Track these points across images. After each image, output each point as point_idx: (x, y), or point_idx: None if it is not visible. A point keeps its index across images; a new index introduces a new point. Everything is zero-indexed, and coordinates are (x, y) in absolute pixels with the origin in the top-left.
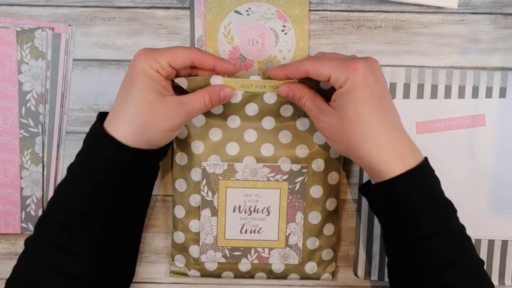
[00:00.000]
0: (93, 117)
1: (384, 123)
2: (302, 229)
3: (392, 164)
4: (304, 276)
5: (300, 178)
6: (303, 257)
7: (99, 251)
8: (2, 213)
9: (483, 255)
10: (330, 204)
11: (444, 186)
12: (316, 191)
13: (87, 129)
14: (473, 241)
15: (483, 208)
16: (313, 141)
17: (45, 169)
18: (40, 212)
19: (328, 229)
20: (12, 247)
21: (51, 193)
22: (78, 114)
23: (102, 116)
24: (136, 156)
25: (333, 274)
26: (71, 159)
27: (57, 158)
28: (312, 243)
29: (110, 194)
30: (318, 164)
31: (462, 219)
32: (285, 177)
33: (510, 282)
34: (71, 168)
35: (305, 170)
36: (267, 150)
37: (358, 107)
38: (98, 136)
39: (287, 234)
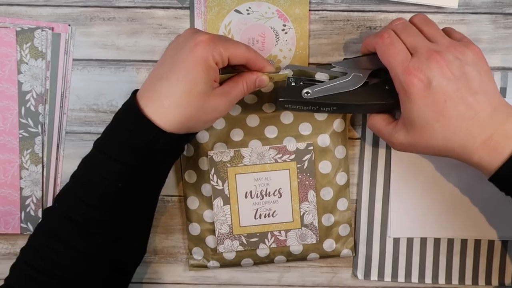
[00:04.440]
0: (93, 117)
1: (458, 121)
2: (316, 207)
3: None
4: (324, 254)
5: (308, 156)
6: (320, 235)
7: (118, 230)
8: (1, 213)
9: (483, 255)
10: (341, 179)
11: (445, 185)
12: (325, 167)
13: (87, 129)
14: (473, 242)
15: (483, 208)
16: (315, 117)
17: (44, 169)
18: (40, 213)
19: (342, 204)
20: (12, 247)
21: (50, 193)
22: (78, 114)
23: (134, 92)
24: (172, 140)
25: (353, 250)
26: (71, 159)
27: (56, 158)
28: (327, 219)
29: (138, 175)
30: (323, 140)
31: (463, 219)
32: (292, 156)
33: (510, 282)
34: (99, 145)
35: (311, 148)
36: (270, 132)
37: (424, 116)
38: (133, 116)
39: (302, 214)
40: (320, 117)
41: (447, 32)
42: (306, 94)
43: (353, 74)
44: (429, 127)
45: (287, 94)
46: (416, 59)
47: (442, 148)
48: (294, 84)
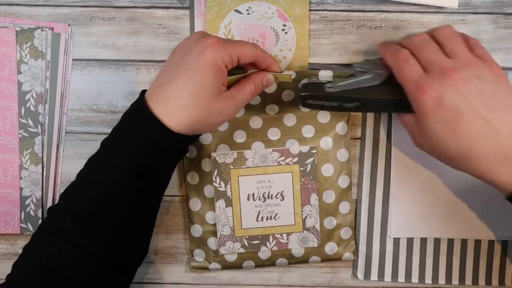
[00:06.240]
0: (92, 117)
1: (472, 138)
2: (318, 211)
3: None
4: (325, 258)
5: (310, 159)
6: (322, 238)
7: (121, 229)
8: (1, 213)
9: (483, 255)
10: (343, 182)
11: (445, 185)
12: (327, 170)
13: (86, 129)
14: (473, 242)
15: (483, 208)
16: (318, 120)
17: (44, 169)
18: (39, 213)
19: (344, 207)
20: (12, 247)
21: (50, 193)
22: (78, 114)
23: (143, 92)
24: (178, 141)
25: (354, 253)
26: (71, 159)
27: (56, 158)
28: (329, 222)
29: (143, 174)
30: (326, 142)
31: (463, 219)
32: (295, 159)
33: (510, 282)
34: (106, 143)
35: (314, 151)
36: (273, 134)
37: (436, 131)
38: (140, 115)
39: (304, 217)
40: (323, 119)
41: (471, 45)
42: (329, 88)
43: (374, 71)
44: (441, 141)
45: (309, 89)
46: (428, 76)
47: (455, 162)
48: (314, 80)
